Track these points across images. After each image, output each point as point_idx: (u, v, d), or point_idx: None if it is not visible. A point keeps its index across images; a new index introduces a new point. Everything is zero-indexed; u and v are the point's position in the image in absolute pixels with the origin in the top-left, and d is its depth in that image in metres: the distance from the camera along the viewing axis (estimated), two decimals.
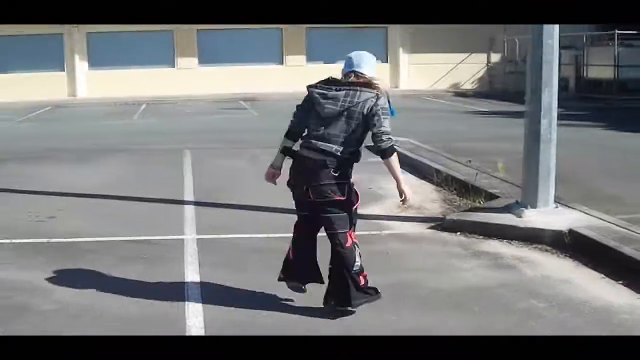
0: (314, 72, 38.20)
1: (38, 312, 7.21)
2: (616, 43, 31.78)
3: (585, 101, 29.94)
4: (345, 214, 6.91)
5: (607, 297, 7.58)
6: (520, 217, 9.95)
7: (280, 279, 7.32)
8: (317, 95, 6.76)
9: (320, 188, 6.71)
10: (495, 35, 37.27)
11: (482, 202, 11.19)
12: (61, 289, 7.82)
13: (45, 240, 9.85)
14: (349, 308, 6.94)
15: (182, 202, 12.04)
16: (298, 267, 7.20)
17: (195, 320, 6.95)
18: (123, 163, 16.22)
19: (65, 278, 8.20)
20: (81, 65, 37.85)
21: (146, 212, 11.46)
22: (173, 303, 7.39)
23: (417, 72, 38.71)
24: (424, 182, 13.39)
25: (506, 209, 10.32)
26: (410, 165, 14.80)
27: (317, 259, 7.24)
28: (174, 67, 38.45)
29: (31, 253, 9.31)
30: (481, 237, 9.74)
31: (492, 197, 11.31)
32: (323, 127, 6.73)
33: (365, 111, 6.65)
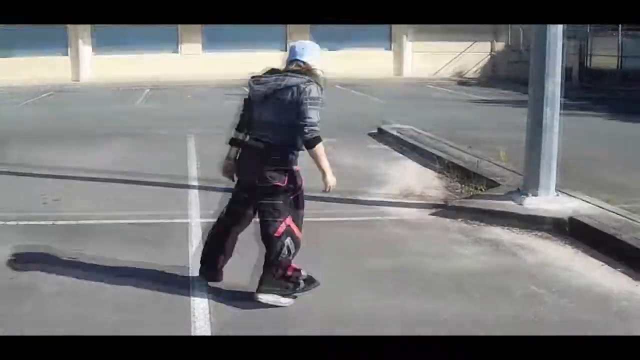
0: (321, 57, 38.22)
1: (41, 293, 7.31)
2: (620, 33, 31.82)
3: (589, 91, 29.90)
4: (280, 202, 6.94)
5: (606, 283, 7.67)
6: (521, 204, 10.03)
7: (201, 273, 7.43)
8: (251, 83, 6.88)
9: (262, 174, 6.75)
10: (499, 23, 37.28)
11: (483, 189, 11.26)
12: (65, 271, 7.91)
13: (51, 222, 9.95)
14: (256, 294, 6.96)
15: (187, 186, 12.13)
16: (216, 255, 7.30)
17: (199, 300, 7.06)
18: (127, 147, 16.30)
19: (70, 260, 8.30)
20: (85, 49, 37.89)
21: (151, 195, 11.55)
22: (178, 284, 7.48)
23: (421, 60, 38.73)
24: (426, 169, 13.46)
25: (508, 196, 10.40)
26: (413, 153, 14.90)
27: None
28: (178, 52, 38.49)
29: (37, 234, 9.41)
30: (482, 223, 9.82)
31: (494, 184, 11.37)
32: (260, 116, 6.78)
33: (293, 99, 6.64)
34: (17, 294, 7.30)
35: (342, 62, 37.38)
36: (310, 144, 6.71)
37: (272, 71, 6.90)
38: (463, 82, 36.46)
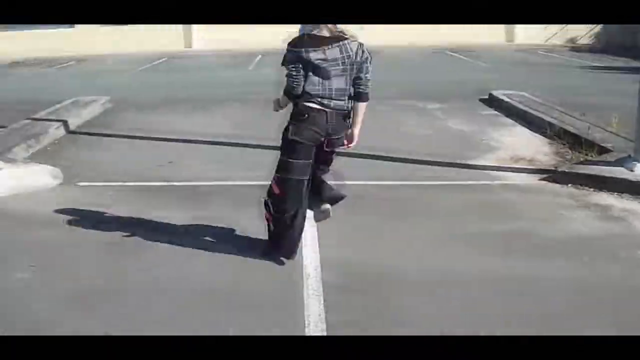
0: (428, 25, 37.90)
1: (154, 249, 7.68)
2: None
3: None
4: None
5: None
6: (632, 170, 9.95)
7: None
8: (318, 60, 6.73)
9: (338, 137, 7.01)
10: None
11: (594, 156, 11.18)
12: (177, 228, 8.28)
13: (166, 183, 10.31)
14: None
15: None
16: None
17: (312, 258, 7.33)
18: (239, 112, 16.62)
19: (183, 219, 8.63)
20: None
21: (261, 158, 11.71)
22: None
23: (533, 26, 38.17)
24: (536, 135, 13.40)
25: (618, 163, 10.32)
26: (524, 119, 14.85)
27: None
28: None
29: (154, 195, 9.79)
30: (592, 189, 9.79)
31: (604, 151, 11.28)
32: (329, 84, 6.80)
33: (358, 59, 6.82)
34: (137, 249, 7.67)
35: (452, 27, 37.22)
36: (367, 97, 6.98)
37: (316, 40, 6.80)
38: (576, 48, 35.84)
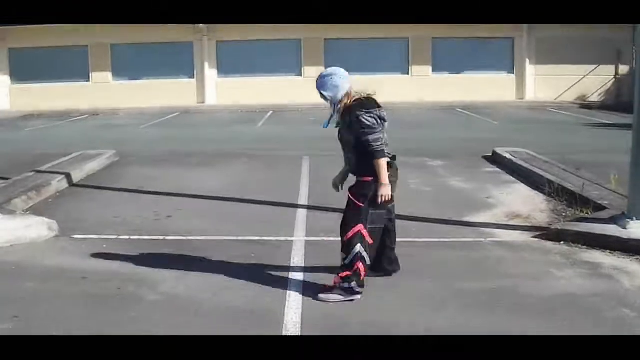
0: (438, 81, 38.19)
1: (145, 302, 7.74)
2: None
3: None
4: None
5: None
6: (624, 228, 9.93)
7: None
8: (386, 118, 7.86)
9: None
10: (623, 46, 36.64)
11: (589, 213, 11.18)
12: (168, 283, 8.32)
13: (161, 237, 10.38)
14: None
15: (296, 206, 12.41)
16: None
17: (293, 315, 7.29)
18: (243, 168, 16.73)
19: (174, 273, 8.70)
20: (211, 72, 38.78)
21: (260, 214, 11.88)
22: (274, 299, 7.73)
23: (543, 83, 38.33)
24: (536, 192, 13.41)
25: (612, 220, 10.32)
26: (524, 176, 14.89)
27: None
28: (300, 75, 39.00)
29: (147, 248, 9.84)
30: (584, 247, 9.76)
31: (600, 208, 11.28)
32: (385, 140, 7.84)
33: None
34: (122, 303, 7.70)
35: (463, 85, 37.49)
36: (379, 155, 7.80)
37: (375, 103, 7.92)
38: (585, 106, 35.91)
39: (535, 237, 10.41)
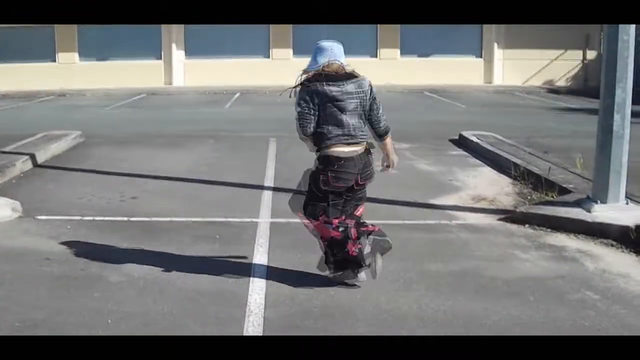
0: (407, 64, 38.08)
1: (107, 283, 7.68)
2: None
3: None
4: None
5: None
6: (589, 211, 9.99)
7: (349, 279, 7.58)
8: (335, 94, 7.08)
9: (368, 172, 7.40)
10: (591, 31, 36.80)
11: (554, 196, 11.23)
12: (132, 264, 8.26)
13: (125, 218, 10.33)
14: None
15: (262, 187, 12.39)
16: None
17: (256, 296, 7.28)
18: (210, 149, 16.68)
19: (138, 254, 8.69)
20: (178, 54, 38.56)
21: (226, 196, 11.85)
22: (238, 280, 7.74)
23: (511, 68, 38.39)
24: (501, 175, 13.48)
25: (576, 204, 10.37)
26: (490, 159, 14.94)
27: None
28: (268, 57, 38.88)
29: (111, 230, 9.78)
30: (549, 230, 9.81)
31: (565, 191, 11.33)
32: (348, 120, 7.16)
33: (369, 96, 7.30)
34: (86, 284, 7.65)
35: (432, 69, 37.50)
36: (389, 133, 7.56)
37: (332, 76, 7.16)
38: (553, 90, 36.01)
39: (500, 219, 10.45)
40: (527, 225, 10.03)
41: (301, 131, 7.22)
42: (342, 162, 7.13)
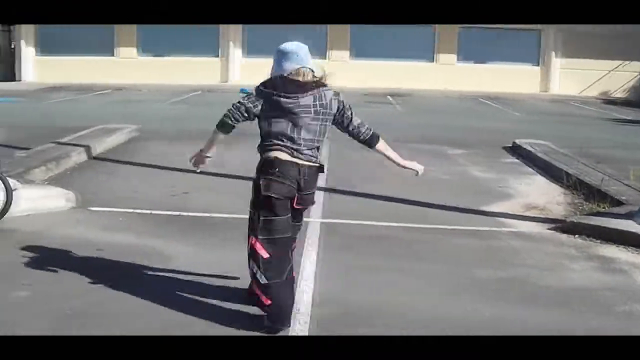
0: (464, 70, 38.10)
1: (156, 276, 7.81)
2: None
3: None
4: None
5: None
6: None
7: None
8: (290, 105, 6.26)
9: (311, 196, 6.58)
10: None
11: (607, 208, 11.15)
12: (182, 257, 8.38)
13: (177, 212, 10.43)
14: None
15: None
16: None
17: (305, 295, 7.31)
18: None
19: (188, 248, 8.80)
20: (236, 52, 38.81)
21: None
22: None
23: (568, 77, 38.15)
24: (554, 184, 13.40)
25: (628, 216, 10.28)
26: (543, 168, 14.85)
27: None
28: (325, 58, 38.98)
29: (163, 223, 9.90)
30: (599, 241, 9.73)
31: (618, 203, 11.24)
32: (299, 134, 6.32)
33: (334, 110, 6.44)
34: (135, 275, 7.80)
35: (488, 75, 37.37)
36: (375, 140, 6.65)
37: (291, 86, 6.33)
38: (610, 101, 35.73)
39: (550, 229, 10.39)
40: (577, 236, 9.96)
41: (225, 121, 6.62)
42: (285, 166, 6.32)
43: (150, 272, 7.89)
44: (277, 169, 6.32)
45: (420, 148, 17.06)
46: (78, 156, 14.07)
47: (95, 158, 14.56)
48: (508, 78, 37.76)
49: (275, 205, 6.35)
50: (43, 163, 12.75)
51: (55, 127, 17.88)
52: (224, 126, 6.65)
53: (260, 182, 6.38)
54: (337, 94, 6.50)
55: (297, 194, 6.39)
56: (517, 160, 16.20)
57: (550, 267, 8.65)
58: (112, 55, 39.20)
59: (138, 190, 11.78)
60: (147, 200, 11.16)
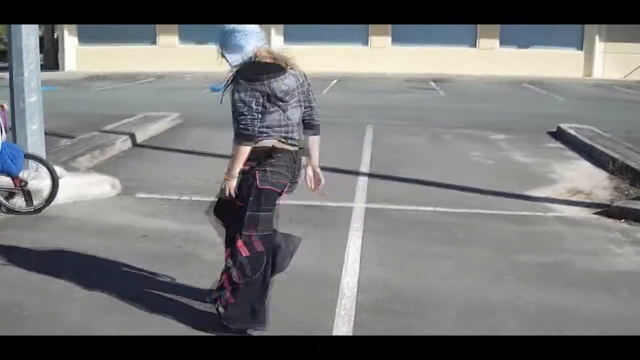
0: (506, 55, 37.82)
1: (202, 261, 7.87)
2: None
3: None
4: None
5: None
6: None
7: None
8: (281, 93, 5.80)
9: (295, 183, 6.20)
10: None
11: None
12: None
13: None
14: None
15: (358, 173, 12.45)
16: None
17: (349, 279, 7.36)
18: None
19: None
20: (276, 39, 38.85)
21: (333, 179, 11.91)
22: (332, 263, 7.84)
23: (612, 61, 37.80)
24: (599, 169, 13.28)
25: None
26: (588, 153, 14.74)
27: None
28: (367, 45, 38.98)
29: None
30: None
31: None
32: (288, 118, 5.91)
33: (306, 88, 6.09)
34: (180, 261, 7.87)
35: (531, 60, 37.13)
36: (319, 129, 6.32)
37: (273, 67, 5.84)
38: None
39: (596, 213, 10.32)
40: (623, 220, 9.88)
41: (247, 131, 5.76)
42: (284, 154, 5.91)
43: (196, 259, 7.95)
44: (273, 159, 5.87)
45: (464, 133, 17.09)
46: (122, 144, 14.20)
47: (139, 145, 14.70)
48: (550, 63, 37.52)
49: (269, 199, 5.94)
50: (88, 151, 12.90)
51: (100, 115, 18.05)
52: (250, 139, 5.78)
53: (257, 175, 5.85)
54: (303, 72, 6.10)
55: (288, 182, 6.04)
56: (561, 145, 16.09)
57: (595, 252, 8.59)
58: (153, 43, 39.44)
59: (182, 177, 11.86)
60: (192, 186, 11.24)
